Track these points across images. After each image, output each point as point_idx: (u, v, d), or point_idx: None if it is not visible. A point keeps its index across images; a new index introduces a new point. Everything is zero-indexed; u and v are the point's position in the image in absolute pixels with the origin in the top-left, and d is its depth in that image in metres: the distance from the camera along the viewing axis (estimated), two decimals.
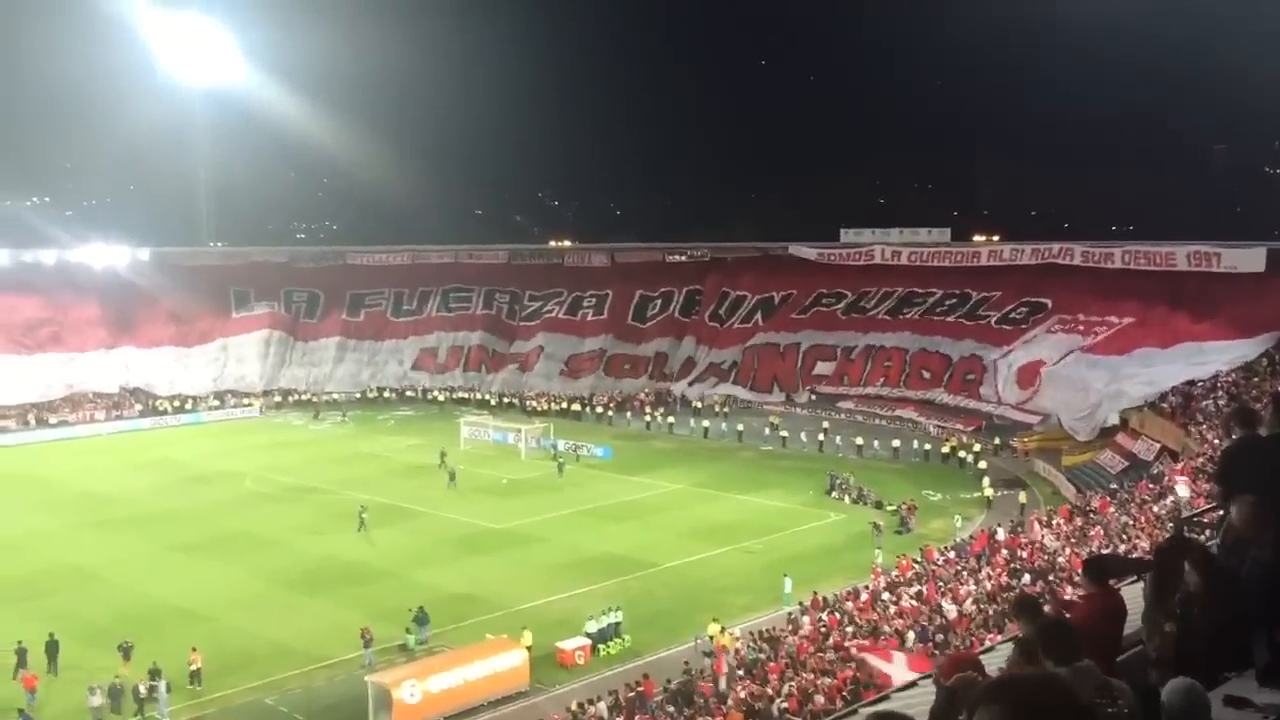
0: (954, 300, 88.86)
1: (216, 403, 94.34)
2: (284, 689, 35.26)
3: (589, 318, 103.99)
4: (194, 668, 35.22)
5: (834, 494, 60.13)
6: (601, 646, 37.76)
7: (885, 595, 39.00)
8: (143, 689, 33.02)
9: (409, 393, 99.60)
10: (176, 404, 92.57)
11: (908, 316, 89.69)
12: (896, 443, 72.24)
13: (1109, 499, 48.36)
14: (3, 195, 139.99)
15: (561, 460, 68.68)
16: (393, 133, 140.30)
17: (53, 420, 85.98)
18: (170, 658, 35.18)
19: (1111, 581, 8.44)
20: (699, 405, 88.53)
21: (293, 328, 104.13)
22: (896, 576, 41.79)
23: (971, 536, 48.80)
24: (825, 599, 39.14)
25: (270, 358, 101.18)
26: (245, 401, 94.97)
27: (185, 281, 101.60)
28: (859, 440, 72.67)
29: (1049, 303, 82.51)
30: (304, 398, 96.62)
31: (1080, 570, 12.24)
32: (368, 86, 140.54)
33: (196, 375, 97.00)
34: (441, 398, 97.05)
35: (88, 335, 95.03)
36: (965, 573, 40.79)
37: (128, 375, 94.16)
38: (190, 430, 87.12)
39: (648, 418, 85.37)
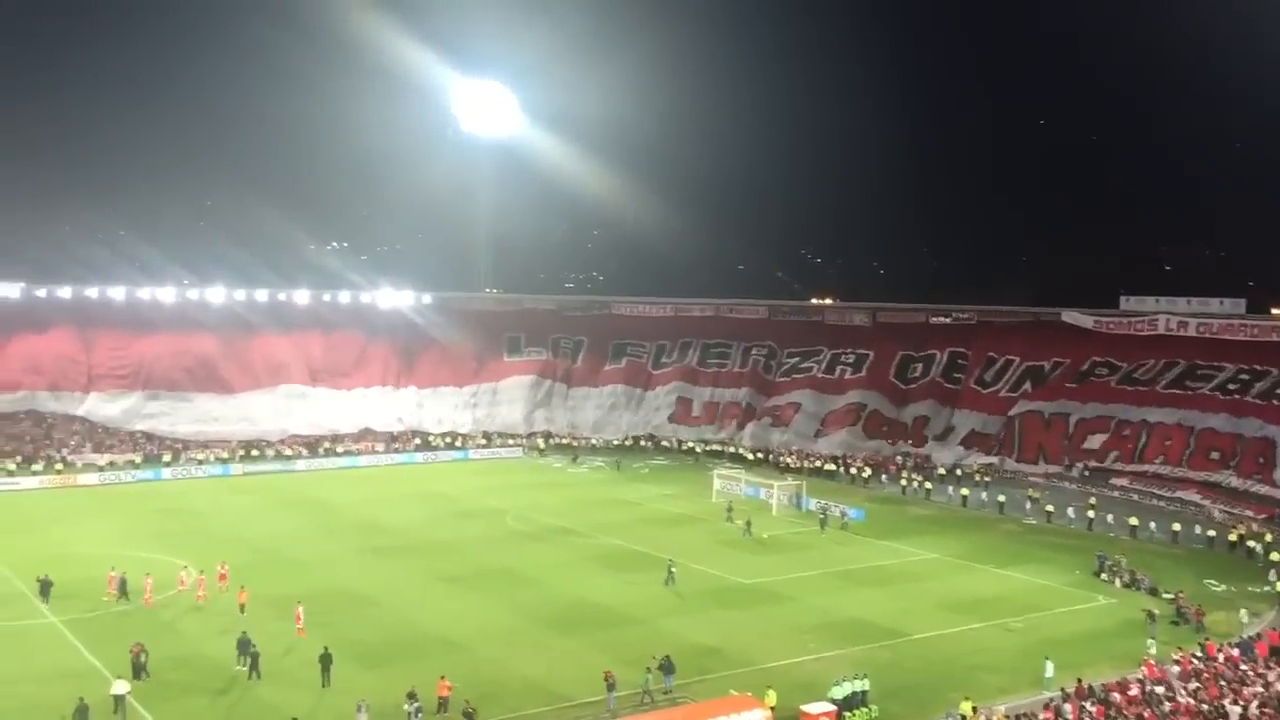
0: (1246, 377, 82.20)
1: (484, 441, 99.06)
2: None
3: (847, 376, 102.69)
4: (443, 695, 36.72)
5: (1103, 576, 56.51)
6: (847, 714, 36.82)
7: (1159, 690, 36.21)
8: (408, 709, 34.64)
9: (664, 442, 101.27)
10: (447, 440, 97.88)
11: (1193, 391, 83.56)
12: (1176, 526, 67.21)
13: None
14: (307, 240, 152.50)
15: (823, 518, 68.11)
16: (660, 186, 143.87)
17: (339, 450, 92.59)
18: (428, 683, 36.84)
19: None
20: (958, 472, 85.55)
21: (558, 373, 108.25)
22: (1173, 671, 38.72)
23: (1259, 634, 44.69)
24: (1090, 688, 36.73)
25: (535, 401, 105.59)
26: (510, 442, 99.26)
27: (462, 325, 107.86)
28: (1133, 520, 68.08)
29: None
30: (564, 441, 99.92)
31: None
32: (639, 141, 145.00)
33: (467, 414, 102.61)
34: (697, 449, 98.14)
35: (374, 372, 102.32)
36: (1251, 673, 37.35)
37: (407, 411, 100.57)
38: (459, 466, 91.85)
39: (904, 482, 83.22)
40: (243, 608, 46.45)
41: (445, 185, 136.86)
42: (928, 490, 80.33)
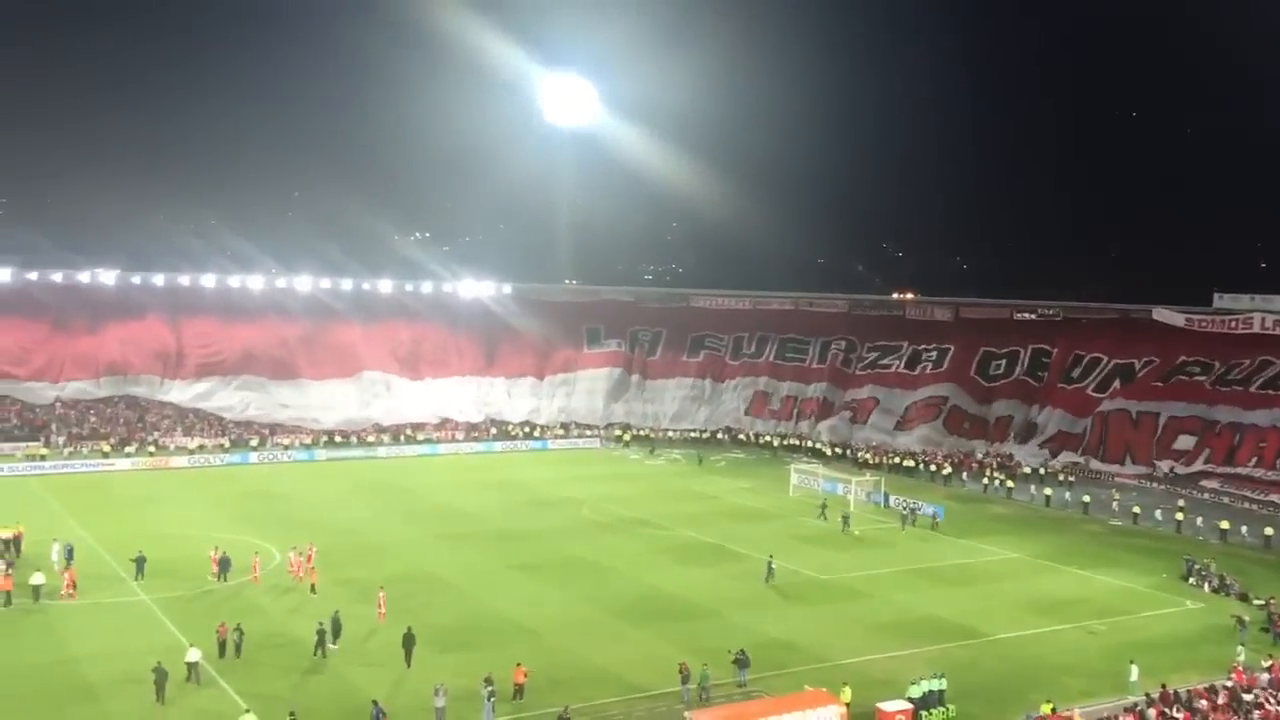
0: None
1: (561, 431, 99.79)
2: (603, 714, 36.46)
3: (928, 372, 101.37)
4: (519, 682, 37.13)
5: (1191, 580, 55.11)
6: (924, 713, 36.44)
7: (1247, 697, 35.25)
8: (483, 693, 35.10)
9: (741, 436, 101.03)
10: (526, 430, 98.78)
11: None
12: (1269, 530, 65.22)
13: None
14: (391, 231, 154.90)
15: (908, 515, 67.48)
16: (740, 178, 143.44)
17: (419, 438, 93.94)
18: (504, 669, 37.30)
19: None
20: (1041, 471, 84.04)
21: (636, 365, 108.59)
22: (1263, 678, 37.65)
23: None
24: (1176, 693, 35.88)
25: (613, 392, 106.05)
26: (587, 432, 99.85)
27: (542, 316, 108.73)
28: (1224, 524, 66.26)
29: None
30: (641, 433, 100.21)
31: None
32: (719, 133, 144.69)
33: (546, 404, 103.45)
34: (775, 443, 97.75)
35: (454, 361, 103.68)
36: None
37: (486, 400, 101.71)
38: (536, 456, 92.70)
39: (985, 480, 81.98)
40: (313, 588, 47.82)
41: (527, 177, 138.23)
42: (1009, 489, 79.05)
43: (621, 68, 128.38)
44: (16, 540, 52.35)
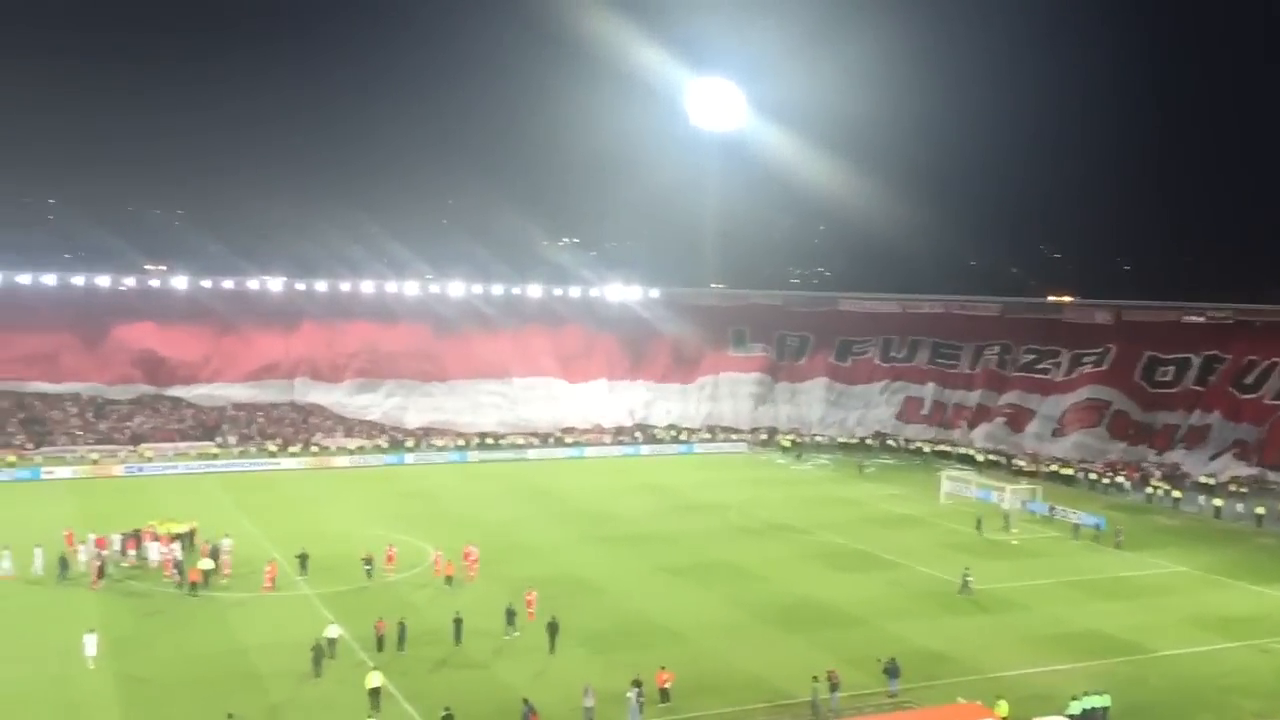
0: None
1: (708, 435, 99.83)
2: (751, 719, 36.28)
3: (1087, 377, 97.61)
4: (663, 686, 37.21)
5: None
6: None
7: None
8: (630, 697, 35.35)
9: (891, 441, 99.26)
10: (672, 433, 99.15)
11: None
12: None
13: None
14: (540, 237, 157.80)
15: (1078, 524, 65.19)
16: (890, 179, 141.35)
17: (567, 440, 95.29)
18: (650, 671, 37.42)
19: None
20: (1211, 481, 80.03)
21: (782, 370, 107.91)
22: None
23: None
24: None
25: (759, 396, 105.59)
26: (733, 437, 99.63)
27: (688, 320, 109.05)
28: None
29: None
30: (788, 438, 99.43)
31: None
32: (868, 134, 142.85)
33: (692, 408, 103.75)
34: (926, 449, 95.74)
35: (601, 365, 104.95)
36: None
37: (633, 404, 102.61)
38: (682, 460, 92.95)
39: (1150, 489, 78.55)
40: (449, 579, 49.73)
41: (673, 181, 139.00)
42: (1176, 499, 75.55)
43: (770, 70, 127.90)
44: (190, 535, 55.14)
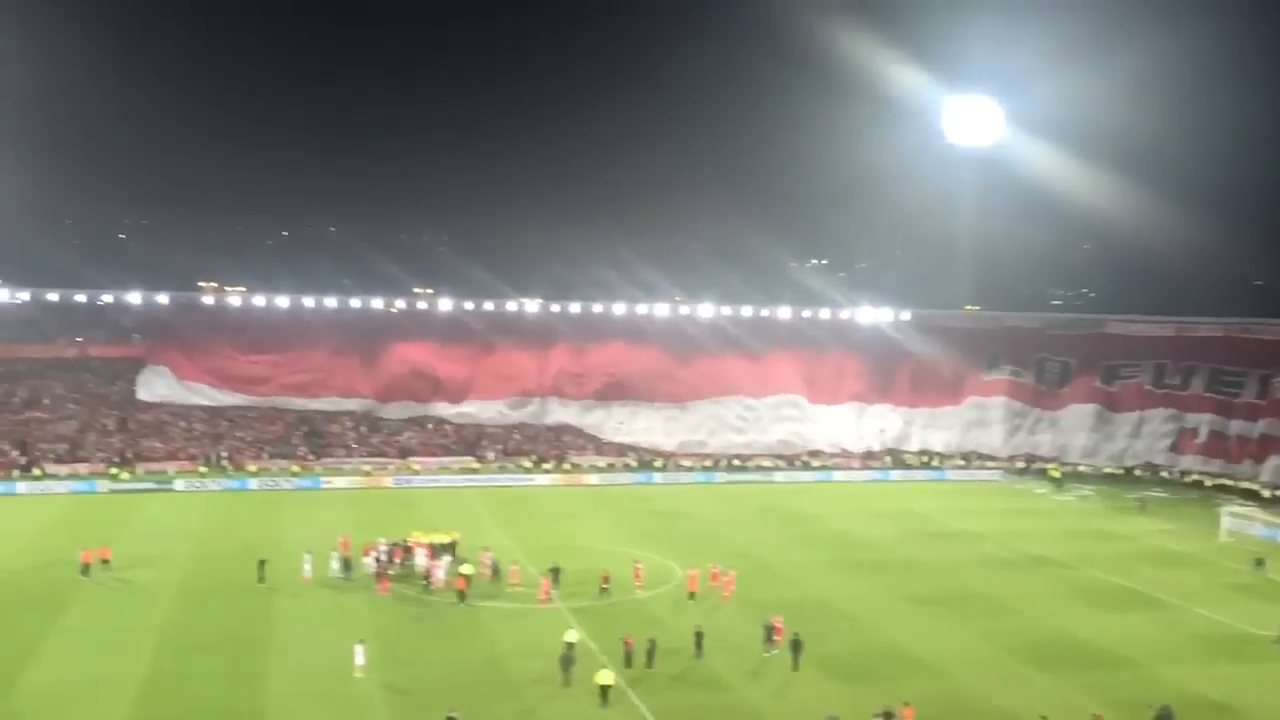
0: None
1: (961, 462, 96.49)
2: None
3: None
4: None
5: None
6: None
7: None
8: None
9: (1164, 473, 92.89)
10: (923, 459, 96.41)
11: None
12: None
13: None
14: (789, 259, 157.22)
15: None
16: (1163, 193, 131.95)
17: (815, 464, 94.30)
18: (898, 702, 36.30)
19: None
20: None
21: (1039, 395, 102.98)
22: None
23: None
24: None
25: (1014, 422, 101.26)
26: (988, 464, 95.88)
27: (940, 343, 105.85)
28: None
29: None
30: (1054, 467, 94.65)
31: None
32: (1138, 145, 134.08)
33: (944, 434, 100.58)
34: (1206, 482, 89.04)
35: (851, 388, 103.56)
36: None
37: (883, 428, 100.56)
38: (934, 486, 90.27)
39: None
40: (692, 595, 50.65)
41: (926, 200, 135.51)
42: None
43: (1031, 84, 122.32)
44: (453, 545, 57.90)
